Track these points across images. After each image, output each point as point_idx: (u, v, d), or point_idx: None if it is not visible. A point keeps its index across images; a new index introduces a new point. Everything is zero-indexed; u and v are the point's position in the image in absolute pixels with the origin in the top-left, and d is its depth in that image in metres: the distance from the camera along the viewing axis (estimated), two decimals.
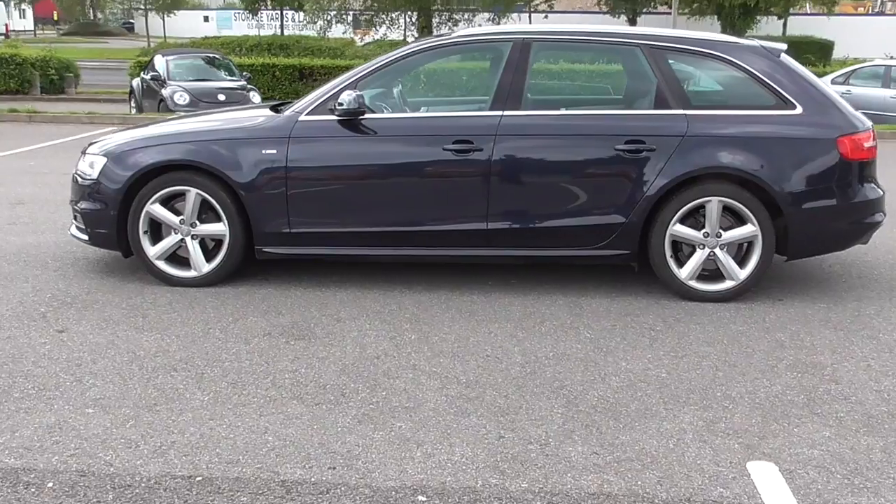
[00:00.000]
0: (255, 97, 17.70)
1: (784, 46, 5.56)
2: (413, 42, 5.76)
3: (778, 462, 3.41)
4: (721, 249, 5.33)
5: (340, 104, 5.28)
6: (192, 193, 5.47)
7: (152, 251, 5.58)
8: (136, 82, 19.59)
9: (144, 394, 3.96)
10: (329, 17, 28.07)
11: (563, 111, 5.49)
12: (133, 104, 19.46)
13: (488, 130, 5.31)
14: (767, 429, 3.69)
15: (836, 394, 4.06)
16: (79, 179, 5.75)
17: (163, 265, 5.60)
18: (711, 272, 5.41)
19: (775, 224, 5.29)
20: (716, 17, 24.89)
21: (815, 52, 27.56)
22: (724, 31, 25.12)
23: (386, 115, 5.59)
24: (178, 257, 5.64)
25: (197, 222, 5.54)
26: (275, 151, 5.42)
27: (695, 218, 5.34)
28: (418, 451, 3.47)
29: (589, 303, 5.36)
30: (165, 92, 17.21)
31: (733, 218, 5.33)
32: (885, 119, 15.46)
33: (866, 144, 5.34)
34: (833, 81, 17.25)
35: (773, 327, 4.96)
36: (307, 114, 5.48)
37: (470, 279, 5.76)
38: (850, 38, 34.60)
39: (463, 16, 28.24)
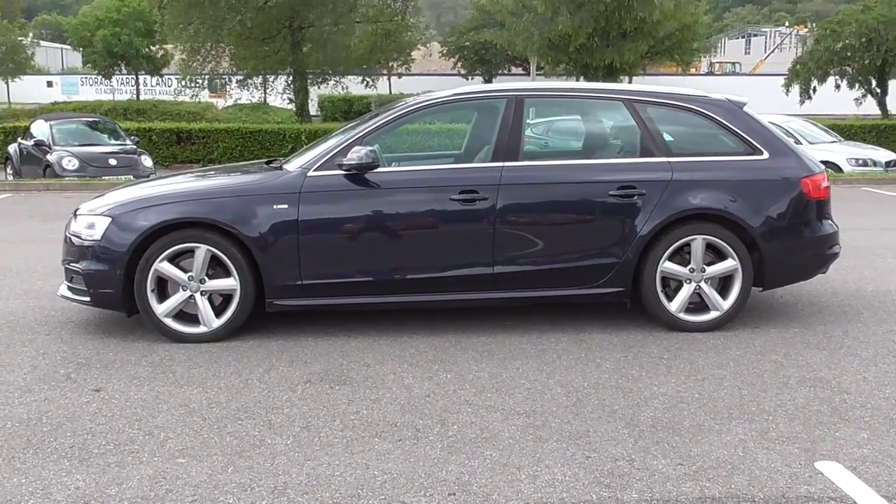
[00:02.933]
0: (147, 161, 17.47)
1: (746, 100, 6.17)
2: (406, 101, 6.05)
3: (839, 461, 3.82)
4: (706, 283, 5.82)
5: (355, 159, 5.50)
6: (203, 250, 5.54)
7: (160, 309, 5.59)
8: (12, 148, 18.92)
9: (225, 442, 4.03)
10: (202, 82, 27.89)
11: (559, 161, 5.89)
12: (10, 170, 18.77)
13: (492, 181, 5.65)
14: (813, 435, 4.12)
15: (852, 403, 4.55)
16: (75, 240, 5.71)
17: (171, 322, 5.62)
18: (696, 304, 5.88)
19: (752, 258, 5.82)
20: (581, 76, 26.27)
21: None
22: None
23: (393, 168, 5.84)
24: (183, 314, 5.67)
25: (206, 278, 5.60)
26: (286, 206, 5.57)
27: (680, 255, 5.81)
28: (521, 474, 3.70)
29: (591, 338, 5.72)
30: (52, 157, 16.78)
31: (713, 254, 5.84)
32: None
33: (823, 185, 5.98)
34: None
35: (765, 350, 5.45)
36: (315, 169, 5.67)
37: (469, 322, 6.03)
38: None
39: (334, 77, 28.68)
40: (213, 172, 6.59)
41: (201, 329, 5.64)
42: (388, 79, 44.58)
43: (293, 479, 3.64)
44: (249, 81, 28.65)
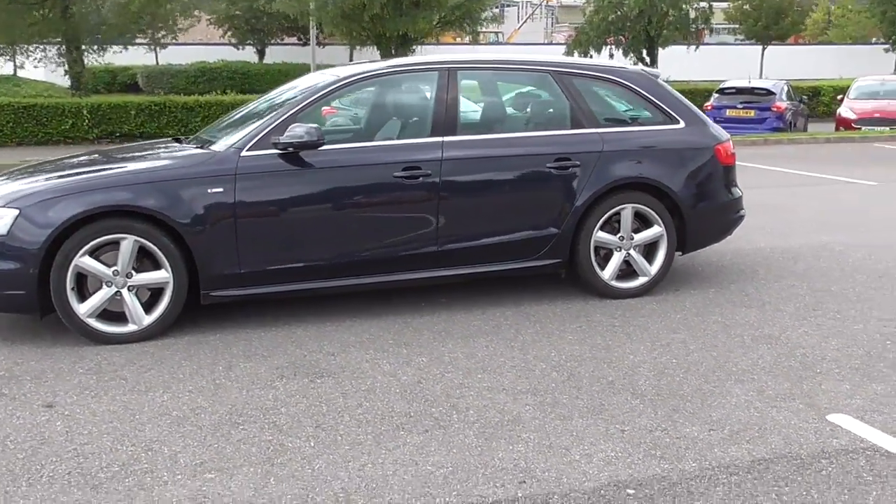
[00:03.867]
0: None
1: (659, 71, 6.37)
2: (339, 74, 5.74)
3: (844, 412, 4.07)
4: (634, 250, 5.99)
5: (298, 137, 5.18)
6: (130, 241, 5.04)
7: (83, 309, 5.04)
8: None
9: (242, 450, 3.71)
10: None
11: (496, 135, 5.82)
12: None
13: (433, 156, 5.51)
14: (803, 390, 4.36)
15: (813, 357, 4.84)
16: None
17: (96, 323, 5.09)
18: (623, 271, 6.05)
19: (675, 224, 6.05)
20: (375, 46, 26.13)
21: None
22: (383, 59, 26.40)
23: (332, 146, 5.52)
24: (106, 312, 5.14)
25: (132, 272, 5.10)
26: (221, 190, 5.17)
27: (609, 224, 5.94)
28: (573, 454, 3.67)
29: (533, 310, 5.73)
30: None
31: (639, 221, 6.01)
32: None
33: (731, 151, 6.31)
34: None
35: (702, 312, 5.69)
36: (249, 149, 5.28)
37: (402, 303, 5.87)
38: None
39: (110, 48, 26.87)
40: (120, 154, 5.97)
41: (130, 328, 5.14)
42: (155, 49, 42.40)
43: (350, 485, 3.41)
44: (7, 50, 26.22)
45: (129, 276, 5.09)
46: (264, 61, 43.88)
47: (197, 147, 5.58)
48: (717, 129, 6.34)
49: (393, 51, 25.57)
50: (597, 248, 5.95)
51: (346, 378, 4.56)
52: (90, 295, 5.09)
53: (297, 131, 5.20)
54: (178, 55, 40.53)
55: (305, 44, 46.19)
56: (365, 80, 5.71)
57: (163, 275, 5.13)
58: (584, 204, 5.79)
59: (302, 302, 5.80)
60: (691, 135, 6.14)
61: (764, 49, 47.70)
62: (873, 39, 65.19)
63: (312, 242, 5.36)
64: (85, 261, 4.99)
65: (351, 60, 43.17)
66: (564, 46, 29.38)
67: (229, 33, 48.25)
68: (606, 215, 5.87)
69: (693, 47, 29.06)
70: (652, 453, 3.66)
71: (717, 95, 21.33)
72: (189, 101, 23.07)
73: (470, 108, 5.86)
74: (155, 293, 5.21)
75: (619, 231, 5.95)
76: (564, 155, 5.77)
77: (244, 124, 5.61)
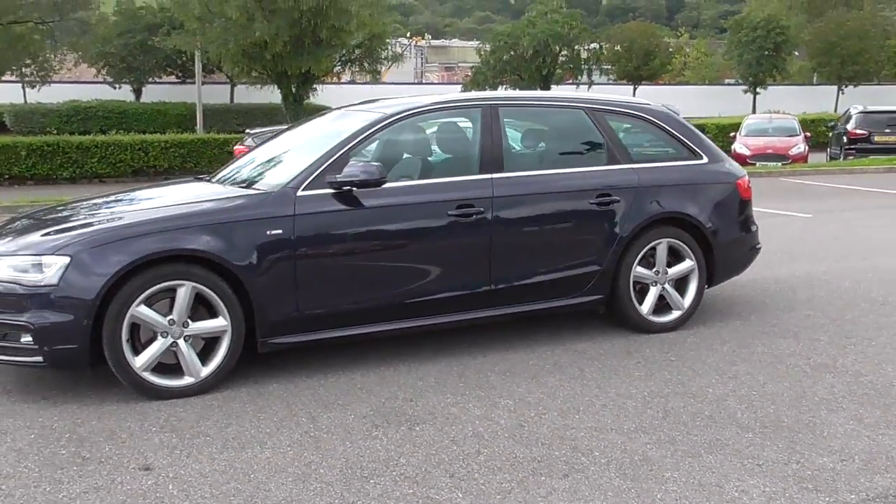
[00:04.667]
0: None
1: (679, 108, 6.51)
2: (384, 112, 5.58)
3: None
4: (669, 284, 6.06)
5: (359, 174, 5.02)
6: (187, 288, 4.75)
7: (138, 362, 4.70)
8: None
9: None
10: None
11: (539, 172, 5.78)
12: None
13: (485, 193, 5.44)
14: (888, 418, 4.47)
15: (882, 384, 4.98)
16: (16, 289, 4.62)
17: (151, 377, 4.75)
18: (657, 306, 6.09)
19: (706, 257, 6.16)
20: (276, 85, 25.80)
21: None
22: (285, 98, 26.16)
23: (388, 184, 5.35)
24: (159, 365, 4.82)
25: (188, 321, 4.80)
26: (280, 231, 4.95)
27: (645, 259, 5.99)
28: (730, 490, 3.64)
29: (582, 348, 5.70)
30: None
31: (671, 256, 6.09)
32: None
33: (748, 185, 6.49)
34: None
35: (745, 343, 5.78)
36: (304, 188, 5.08)
37: (444, 345, 5.72)
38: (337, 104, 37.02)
39: None
40: (148, 196, 5.62)
41: (186, 381, 4.83)
42: (23, 87, 40.71)
43: None
44: None
45: (184, 325, 4.78)
46: (142, 100, 42.60)
47: (240, 186, 5.33)
48: (736, 165, 6.51)
49: (294, 89, 25.30)
50: (634, 283, 5.97)
51: (443, 424, 4.40)
52: (142, 346, 4.75)
53: (356, 169, 5.04)
54: (48, 94, 39.01)
55: (184, 82, 45.22)
56: (412, 115, 5.58)
57: (220, 322, 4.85)
58: (624, 239, 5.82)
59: (336, 349, 5.55)
60: (715, 170, 6.28)
61: (635, 89, 49.69)
62: (726, 81, 68.99)
63: (370, 284, 5.19)
64: (141, 310, 4.67)
65: (231, 101, 42.45)
66: (460, 85, 29.73)
67: (104, 71, 46.71)
68: (644, 250, 5.91)
69: (585, 86, 29.98)
70: (806, 486, 3.67)
71: None
72: (85, 142, 22.19)
73: (513, 145, 5.79)
74: (208, 344, 4.91)
75: (654, 266, 6.00)
76: (605, 191, 5.80)
77: (281, 162, 5.41)
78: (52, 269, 4.57)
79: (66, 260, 4.58)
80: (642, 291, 6.03)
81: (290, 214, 4.98)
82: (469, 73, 28.68)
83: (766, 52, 54.58)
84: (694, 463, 3.91)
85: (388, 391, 4.90)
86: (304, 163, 5.28)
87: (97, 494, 3.64)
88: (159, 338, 4.75)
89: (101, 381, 4.96)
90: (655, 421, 4.43)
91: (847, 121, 24.35)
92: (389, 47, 27.95)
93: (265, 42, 23.38)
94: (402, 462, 3.95)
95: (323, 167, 5.16)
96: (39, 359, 4.62)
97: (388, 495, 3.62)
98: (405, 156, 5.78)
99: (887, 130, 23.13)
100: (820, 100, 50.04)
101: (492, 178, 5.50)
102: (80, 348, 4.60)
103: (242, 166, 6.00)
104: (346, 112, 6.08)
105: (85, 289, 4.55)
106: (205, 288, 4.78)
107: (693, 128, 6.42)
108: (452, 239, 5.39)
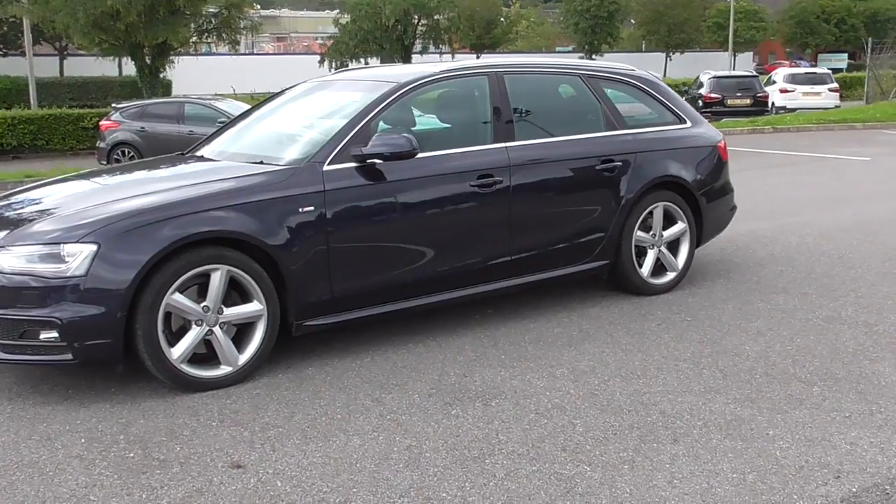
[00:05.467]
0: None
1: (658, 74, 6.56)
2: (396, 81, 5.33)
3: None
4: (664, 247, 6.15)
5: (385, 146, 4.79)
6: (222, 272, 4.43)
7: (175, 353, 4.35)
8: None
9: (546, 486, 3.40)
10: None
11: (548, 140, 5.68)
12: None
13: (502, 162, 5.33)
14: None
15: (894, 331, 5.23)
16: (19, 281, 4.17)
17: (188, 368, 4.41)
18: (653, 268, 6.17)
19: (695, 219, 6.28)
20: (129, 56, 24.40)
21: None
22: (140, 71, 24.79)
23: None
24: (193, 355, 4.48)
25: (223, 307, 4.48)
26: (312, 208, 4.68)
27: (644, 223, 6.05)
28: (844, 443, 3.72)
29: (598, 313, 5.69)
30: None
31: (664, 220, 6.16)
32: None
33: (726, 147, 6.65)
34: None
35: (748, 300, 5.91)
36: (330, 162, 4.81)
37: (457, 317, 5.60)
38: (186, 77, 35.28)
39: None
40: (154, 171, 5.16)
41: (223, 370, 4.52)
42: None
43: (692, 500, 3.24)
44: None
45: (219, 312, 4.45)
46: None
47: (249, 163, 5.00)
48: (713, 128, 6.66)
49: (149, 61, 24.06)
50: (634, 247, 6.02)
51: (517, 398, 4.30)
52: (173, 337, 4.39)
53: (384, 141, 4.81)
54: None
55: (6, 55, 42.25)
56: (425, 84, 5.36)
57: (256, 307, 4.55)
58: (626, 204, 5.85)
59: (343, 330, 5.31)
60: (699, 134, 6.40)
61: (478, 57, 50.27)
62: (557, 48, 70.84)
63: (399, 259, 5.00)
64: (176, 298, 4.31)
65: (61, 74, 40.02)
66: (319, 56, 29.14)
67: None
68: (643, 214, 5.97)
69: (448, 55, 29.99)
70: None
71: None
72: None
73: (520, 113, 5.68)
74: (240, 330, 4.60)
75: (651, 229, 6.06)
76: (608, 156, 5.79)
77: (288, 136, 5.15)
78: (78, 258, 4.14)
79: (94, 248, 4.16)
80: (640, 255, 6.08)
81: (321, 190, 4.71)
82: (326, 43, 28.06)
83: (601, 20, 56.48)
84: (787, 419, 3.98)
85: (436, 368, 4.74)
86: (319, 137, 5.00)
87: (203, 498, 3.35)
88: (194, 326, 4.40)
89: (105, 377, 4.60)
90: (718, 381, 4.48)
91: (700, 86, 25.50)
92: (248, 17, 26.98)
93: (117, 11, 22.05)
94: (504, 439, 3.83)
95: (346, 139, 4.90)
96: (69, 356, 4.18)
97: (515, 474, 3.50)
98: (418, 126, 5.56)
99: (738, 94, 24.39)
100: (649, 66, 51.94)
101: (507, 147, 5.39)
102: (114, 342, 4.20)
103: (233, 141, 5.63)
104: (340, 83, 5.83)
105: (117, 279, 4.15)
106: (240, 271, 4.46)
107: (675, 93, 6.51)
108: (474, 209, 5.24)
